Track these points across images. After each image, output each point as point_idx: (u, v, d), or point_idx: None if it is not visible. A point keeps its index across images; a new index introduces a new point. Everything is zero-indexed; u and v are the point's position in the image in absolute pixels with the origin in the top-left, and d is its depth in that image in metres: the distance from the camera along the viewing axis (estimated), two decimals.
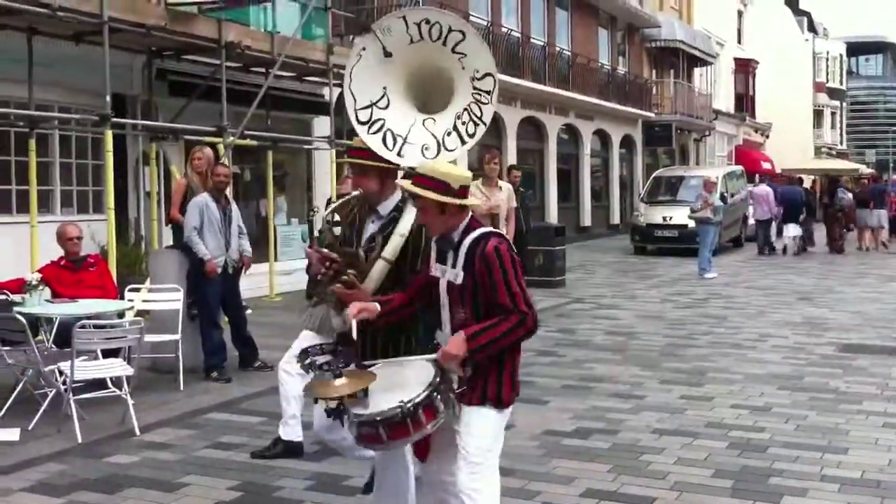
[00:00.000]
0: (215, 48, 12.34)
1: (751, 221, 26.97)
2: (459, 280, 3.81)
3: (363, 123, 4.41)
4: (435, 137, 4.37)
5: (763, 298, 14.86)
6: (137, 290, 8.85)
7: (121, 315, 7.82)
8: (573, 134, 29.63)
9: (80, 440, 6.50)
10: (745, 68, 44.32)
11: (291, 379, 6.40)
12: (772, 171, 38.24)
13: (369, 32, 4.47)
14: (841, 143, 62.60)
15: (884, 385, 8.41)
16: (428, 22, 4.36)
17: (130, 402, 6.87)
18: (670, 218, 22.75)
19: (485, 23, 23.17)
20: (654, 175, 27.56)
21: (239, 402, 7.92)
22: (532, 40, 26.13)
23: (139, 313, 8.57)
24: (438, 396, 3.68)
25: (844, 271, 18.25)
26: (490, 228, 3.92)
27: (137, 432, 6.82)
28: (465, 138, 4.35)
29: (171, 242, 10.76)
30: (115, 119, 10.92)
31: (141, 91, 13.12)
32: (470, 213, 3.92)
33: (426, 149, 4.34)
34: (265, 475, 5.95)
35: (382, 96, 4.43)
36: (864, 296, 15.14)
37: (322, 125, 16.05)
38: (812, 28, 63.75)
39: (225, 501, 5.49)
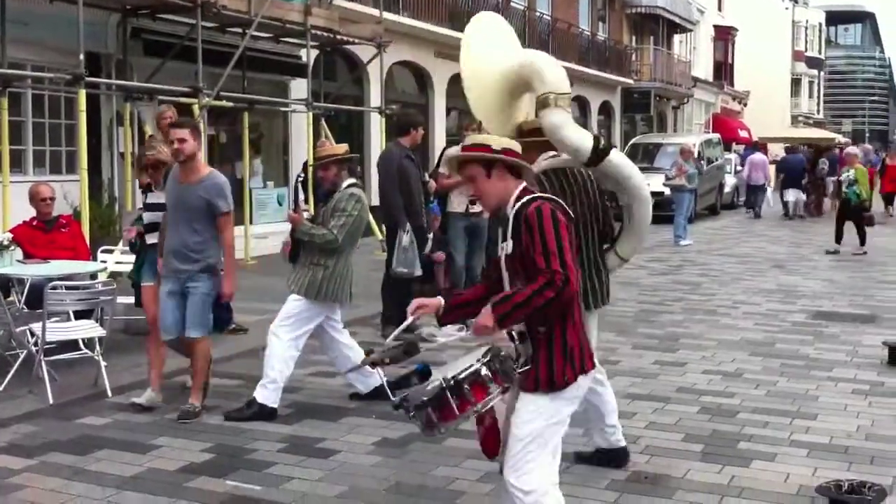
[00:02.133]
0: (191, 7, 12.18)
1: (727, 189, 27.18)
2: (510, 249, 3.66)
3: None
4: None
5: (737, 266, 14.96)
6: (110, 251, 8.80)
7: (93, 276, 7.76)
8: None
9: (51, 401, 6.48)
10: (724, 36, 44.30)
11: (280, 343, 6.39)
12: (748, 139, 38.38)
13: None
14: (818, 112, 62.80)
15: (854, 352, 8.50)
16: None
17: (103, 363, 6.85)
18: (647, 185, 22.72)
19: None
20: (631, 142, 27.60)
21: (213, 365, 7.87)
22: (512, 4, 25.95)
23: (112, 275, 8.52)
24: (489, 374, 3.50)
25: (818, 240, 18.40)
26: (538, 193, 3.70)
27: (109, 394, 6.81)
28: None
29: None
30: (88, 78, 10.78)
31: (115, 50, 12.95)
32: (523, 184, 3.71)
33: None
34: (238, 437, 5.96)
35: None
36: (835, 264, 15.27)
37: (299, 87, 15.91)
38: None
39: (197, 463, 5.49)
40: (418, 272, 8.76)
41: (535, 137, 5.22)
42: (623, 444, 5.43)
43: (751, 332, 9.48)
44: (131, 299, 8.14)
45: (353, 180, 6.69)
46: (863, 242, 16.41)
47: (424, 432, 3.62)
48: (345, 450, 5.73)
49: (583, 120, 32.17)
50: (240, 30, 13.53)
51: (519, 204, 3.64)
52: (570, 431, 5.97)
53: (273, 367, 6.36)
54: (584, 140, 5.18)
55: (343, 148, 6.86)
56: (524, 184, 3.73)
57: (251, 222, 14.54)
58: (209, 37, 13.17)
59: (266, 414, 6.30)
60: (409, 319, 3.83)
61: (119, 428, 6.18)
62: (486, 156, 3.70)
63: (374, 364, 3.99)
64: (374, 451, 5.72)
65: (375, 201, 9.18)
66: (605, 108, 33.78)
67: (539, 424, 3.60)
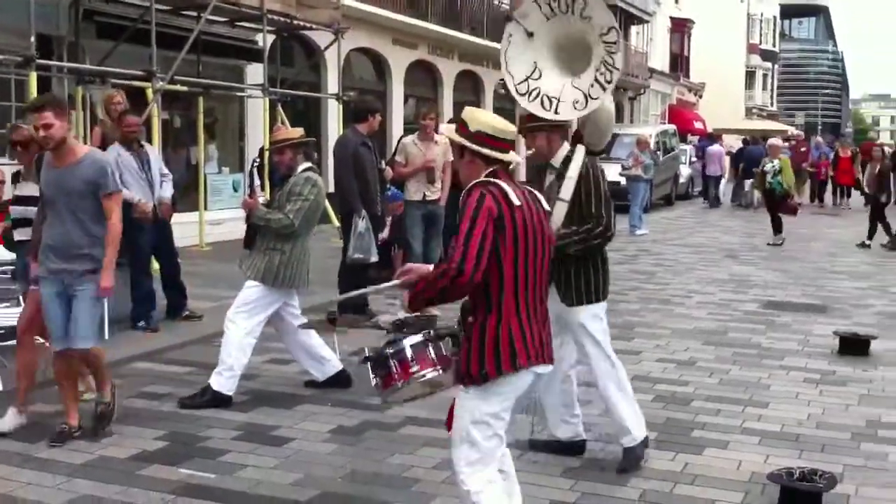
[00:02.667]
0: None
1: (682, 180, 27.44)
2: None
3: (522, 95, 5.10)
4: (581, 91, 5.03)
5: (691, 255, 15.10)
6: None
7: None
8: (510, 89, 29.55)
9: (1, 388, 6.36)
10: (680, 28, 44.64)
11: (237, 330, 6.31)
12: (703, 130, 38.72)
13: (511, 21, 5.23)
14: (772, 104, 63.51)
15: (805, 341, 8.62)
16: None
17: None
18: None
19: None
20: None
21: (166, 352, 7.82)
22: None
23: None
24: (430, 348, 3.68)
25: (770, 231, 18.63)
26: (488, 179, 3.61)
27: None
28: (605, 85, 5.02)
29: None
30: (39, 61, 10.55)
31: (67, 32, 12.68)
32: (489, 170, 3.62)
33: (576, 102, 5.04)
34: (192, 425, 5.90)
35: (534, 69, 5.13)
36: (787, 254, 15.47)
37: (255, 72, 15.75)
38: None
39: (149, 451, 5.43)
40: (374, 258, 8.73)
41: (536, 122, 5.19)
42: (583, 437, 5.46)
43: (704, 321, 9.57)
44: None
45: (308, 164, 6.63)
46: (778, 232, 16.59)
47: (379, 394, 3.85)
48: (300, 437, 5.70)
49: None
50: (195, 13, 13.35)
51: (467, 189, 3.63)
52: (522, 418, 6.01)
53: (230, 354, 6.30)
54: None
55: (298, 132, 6.80)
56: (491, 169, 3.63)
57: (206, 208, 14.39)
58: (163, 20, 12.98)
59: (221, 401, 6.24)
60: (391, 283, 3.85)
61: None
62: (455, 138, 3.71)
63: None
64: (330, 439, 5.69)
65: (332, 188, 9.12)
66: None
67: (465, 422, 3.62)
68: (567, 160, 5.07)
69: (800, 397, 6.77)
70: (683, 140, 31.03)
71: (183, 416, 6.07)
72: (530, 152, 5.52)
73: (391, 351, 3.74)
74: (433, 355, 3.72)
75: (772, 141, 18.89)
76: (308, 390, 6.70)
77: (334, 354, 6.64)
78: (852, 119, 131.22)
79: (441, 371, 3.73)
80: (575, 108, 5.03)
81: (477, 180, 3.61)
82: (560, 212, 4.94)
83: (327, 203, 9.37)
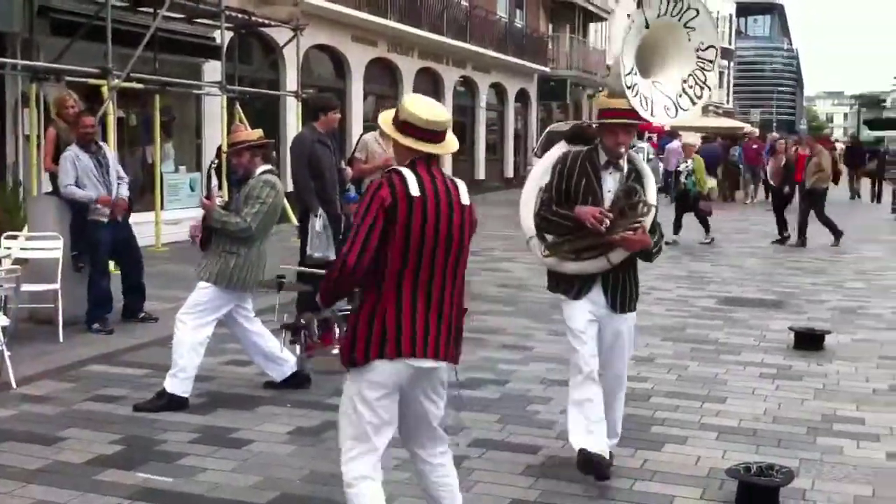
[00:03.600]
0: None
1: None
2: None
3: (629, 87, 4.87)
4: (671, 99, 5.02)
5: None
6: (14, 237, 8.51)
7: None
8: (470, 86, 29.61)
9: None
10: None
11: (186, 330, 6.27)
12: (660, 128, 38.99)
13: (640, 6, 5.00)
14: (728, 101, 64.21)
15: (761, 336, 8.72)
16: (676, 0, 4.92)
17: (7, 353, 6.62)
18: None
19: None
20: (547, 129, 27.81)
21: (121, 354, 7.72)
22: None
23: (16, 262, 8.23)
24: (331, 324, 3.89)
25: (726, 227, 18.83)
26: (396, 168, 3.61)
27: (14, 385, 6.60)
28: (695, 99, 5.06)
29: (50, 189, 10.35)
30: None
31: (21, 29, 12.46)
32: (412, 159, 3.63)
33: (667, 109, 5.02)
34: (148, 428, 5.83)
35: (633, 65, 4.94)
36: (742, 251, 15.64)
37: (213, 70, 15.60)
38: None
39: (106, 455, 5.35)
40: (333, 256, 8.68)
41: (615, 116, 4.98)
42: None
43: (662, 317, 9.65)
44: (37, 287, 7.93)
45: (267, 167, 6.57)
46: (707, 230, 16.64)
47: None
48: (259, 439, 5.65)
49: (500, 107, 32.35)
50: (151, 9, 13.19)
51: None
52: (483, 417, 6.02)
53: (182, 355, 6.23)
54: None
55: (257, 133, 6.71)
56: (410, 159, 3.64)
57: (162, 208, 14.23)
58: (119, 16, 12.81)
59: (177, 404, 6.17)
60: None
61: (24, 420, 5.98)
62: (382, 124, 3.74)
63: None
64: (289, 441, 5.65)
65: (290, 187, 9.06)
66: (522, 95, 33.99)
67: (345, 404, 3.70)
68: (630, 161, 4.99)
69: (756, 392, 6.84)
70: (641, 137, 31.23)
71: (139, 420, 6.00)
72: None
73: (304, 321, 3.81)
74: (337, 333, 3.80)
75: (686, 140, 18.88)
76: (267, 391, 6.65)
77: (291, 355, 6.60)
78: (807, 116, 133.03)
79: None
80: (667, 114, 5.03)
81: (391, 169, 3.64)
82: (651, 217, 4.90)
83: (286, 202, 9.25)
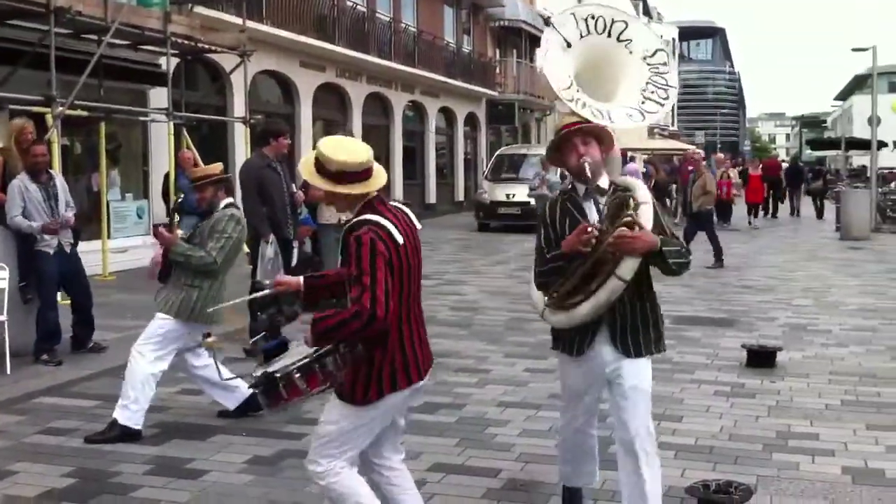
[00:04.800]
0: (44, 13, 11.65)
1: None
2: (339, 264, 3.85)
3: (570, 101, 4.54)
4: (633, 108, 4.66)
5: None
6: None
7: None
8: (419, 111, 29.71)
9: None
10: None
11: (143, 361, 6.15)
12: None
13: (549, 26, 4.78)
14: (673, 123, 65.20)
15: (714, 355, 8.80)
16: (593, 17, 4.73)
17: None
18: (513, 195, 23.17)
19: None
20: (497, 153, 28.00)
21: (71, 386, 7.56)
22: (378, 15, 25.99)
23: None
24: (307, 373, 3.73)
25: None
26: (367, 217, 3.69)
27: None
28: (662, 101, 4.74)
29: None
30: None
31: None
32: (368, 197, 3.77)
33: (630, 115, 4.64)
34: (101, 460, 5.70)
35: (571, 84, 4.62)
36: (693, 271, 15.78)
37: (159, 96, 15.45)
38: (647, 12, 66.05)
39: (59, 488, 5.22)
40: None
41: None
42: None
43: None
44: None
45: (230, 200, 6.55)
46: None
47: (268, 408, 3.90)
48: (215, 469, 5.55)
49: (450, 131, 32.48)
50: (95, 37, 13.04)
51: (349, 223, 3.75)
52: (442, 441, 5.98)
53: (134, 386, 6.12)
54: None
55: (218, 168, 6.67)
56: (370, 197, 3.77)
57: (109, 236, 14.02)
58: (63, 43, 12.65)
59: (130, 436, 6.05)
60: (269, 291, 4.09)
61: None
62: (313, 180, 3.79)
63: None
64: (246, 470, 5.56)
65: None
66: (471, 120, 34.18)
67: (342, 427, 3.77)
68: (613, 184, 4.27)
69: (711, 410, 6.89)
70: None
71: (92, 452, 5.86)
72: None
73: (279, 374, 3.75)
74: (320, 375, 3.77)
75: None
76: (221, 420, 6.54)
77: (241, 381, 6.47)
78: (750, 137, 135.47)
79: (327, 386, 3.81)
80: (630, 120, 4.64)
81: (360, 218, 3.71)
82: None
83: None
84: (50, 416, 6.70)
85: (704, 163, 18.96)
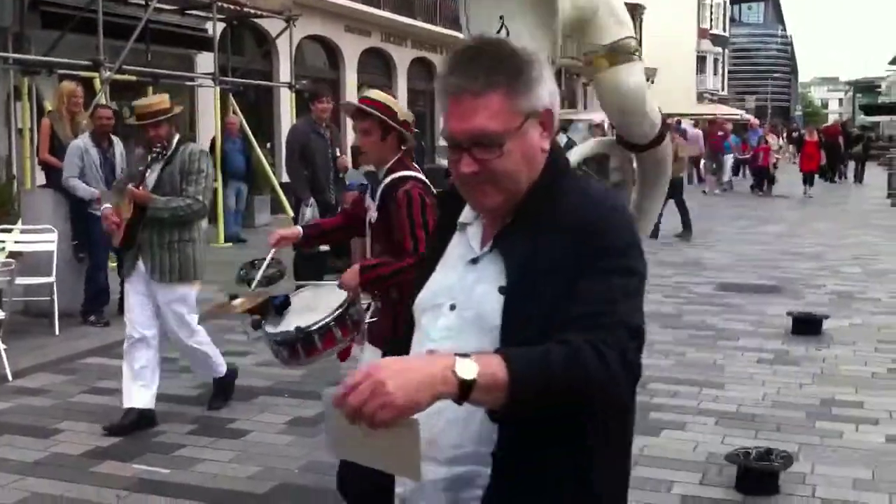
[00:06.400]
0: None
1: None
2: (374, 218, 3.95)
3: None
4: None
5: (644, 239, 15.09)
6: (9, 230, 8.47)
7: None
8: None
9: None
10: (632, 13, 44.60)
11: (201, 345, 5.89)
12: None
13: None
14: (723, 88, 64.12)
15: (758, 322, 8.70)
16: None
17: (2, 346, 6.60)
18: None
19: None
20: None
21: (117, 346, 7.56)
22: None
23: (11, 255, 8.20)
24: (338, 327, 3.75)
25: (722, 214, 18.83)
26: (410, 172, 3.91)
27: (10, 378, 6.57)
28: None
29: (44, 182, 10.30)
30: None
31: (12, 23, 12.42)
32: (399, 155, 3.97)
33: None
34: None
35: (501, 27, 4.50)
36: (739, 237, 15.62)
37: (206, 61, 15.53)
38: None
39: (103, 447, 5.33)
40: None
41: None
42: None
43: (660, 304, 9.61)
44: (32, 280, 7.89)
45: (180, 135, 5.79)
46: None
47: (283, 364, 3.93)
48: (257, 430, 5.63)
49: None
50: (142, 1, 13.12)
51: (389, 179, 3.88)
52: None
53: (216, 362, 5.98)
54: (658, 112, 4.80)
55: (165, 98, 5.78)
56: (400, 154, 3.96)
57: None
58: (110, 8, 12.74)
59: (147, 420, 5.67)
60: (272, 252, 4.11)
61: (21, 412, 5.96)
62: (388, 122, 3.90)
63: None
64: (287, 431, 5.63)
65: (286, 177, 9.05)
66: None
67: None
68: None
69: (755, 377, 6.83)
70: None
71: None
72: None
73: (318, 327, 3.75)
74: (350, 324, 3.84)
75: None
76: (264, 381, 6.62)
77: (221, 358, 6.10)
78: (801, 102, 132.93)
79: (355, 334, 3.87)
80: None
81: (403, 173, 3.88)
82: None
83: (282, 194, 9.06)
84: (96, 377, 6.83)
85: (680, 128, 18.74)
